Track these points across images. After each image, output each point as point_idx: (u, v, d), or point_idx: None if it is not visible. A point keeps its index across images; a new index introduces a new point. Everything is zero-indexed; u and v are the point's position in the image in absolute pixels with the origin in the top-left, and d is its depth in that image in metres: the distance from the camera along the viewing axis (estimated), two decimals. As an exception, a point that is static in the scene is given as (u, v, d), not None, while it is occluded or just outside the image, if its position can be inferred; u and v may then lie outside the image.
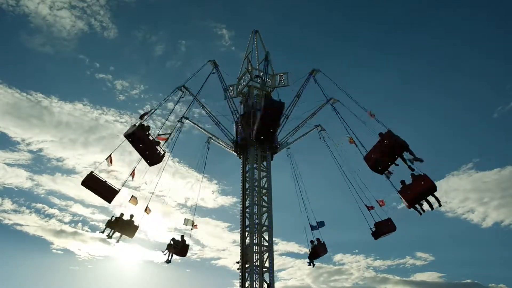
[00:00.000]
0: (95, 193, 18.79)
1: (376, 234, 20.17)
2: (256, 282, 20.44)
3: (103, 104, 64.31)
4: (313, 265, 22.31)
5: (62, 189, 60.44)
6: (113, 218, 19.64)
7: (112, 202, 19.06)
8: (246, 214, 22.06)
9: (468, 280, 51.42)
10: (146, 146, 18.14)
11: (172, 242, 21.87)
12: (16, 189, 54.43)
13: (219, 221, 60.51)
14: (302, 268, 59.21)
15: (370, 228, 20.33)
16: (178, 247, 21.70)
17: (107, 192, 18.80)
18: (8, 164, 53.13)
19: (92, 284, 56.31)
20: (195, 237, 60.90)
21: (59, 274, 57.16)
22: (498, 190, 56.82)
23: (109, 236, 19.59)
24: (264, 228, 21.84)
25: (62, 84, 63.83)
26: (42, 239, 56.67)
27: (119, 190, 19.05)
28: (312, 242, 22.18)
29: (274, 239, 22.27)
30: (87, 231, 56.34)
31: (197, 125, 24.05)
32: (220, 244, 57.65)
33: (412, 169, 16.84)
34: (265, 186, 22.95)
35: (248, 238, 21.44)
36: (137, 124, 18.13)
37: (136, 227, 19.96)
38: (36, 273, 55.92)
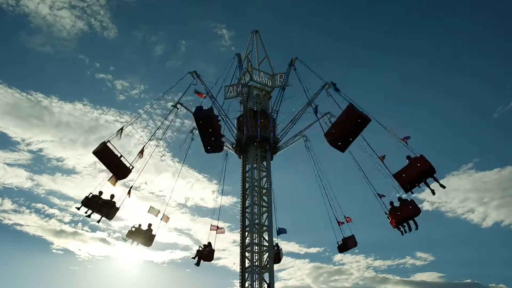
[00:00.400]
0: (106, 167, 18.67)
1: (343, 248, 22.55)
2: (256, 282, 20.42)
3: (103, 104, 64.50)
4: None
5: (62, 189, 60.66)
6: (90, 195, 18.71)
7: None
8: (246, 214, 22.05)
9: (468, 280, 51.52)
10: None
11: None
12: (16, 189, 54.54)
13: (220, 221, 60.37)
14: (302, 268, 59.32)
15: (337, 242, 22.68)
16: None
17: (119, 168, 18.71)
18: (8, 164, 53.24)
19: (92, 284, 56.47)
20: (195, 237, 61.00)
21: (59, 274, 57.29)
22: (498, 190, 56.96)
23: (88, 216, 18.83)
24: (264, 228, 21.83)
25: (62, 84, 64.10)
26: (42, 239, 56.82)
27: (132, 168, 19.02)
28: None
29: (274, 239, 22.30)
30: (87, 231, 56.45)
31: (191, 112, 23.77)
32: (220, 244, 57.62)
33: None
34: (265, 186, 22.94)
35: (248, 238, 21.44)
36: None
37: (117, 209, 19.26)
38: (36, 273, 56.02)
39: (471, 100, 64.64)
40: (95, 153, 18.46)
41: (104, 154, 18.42)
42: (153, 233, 20.47)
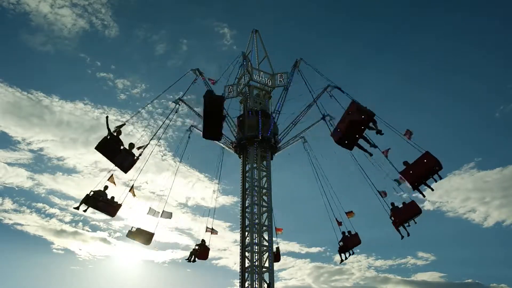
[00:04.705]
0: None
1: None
2: (256, 282, 20.41)
3: (104, 103, 64.35)
4: (346, 258, 21.32)
5: (63, 188, 60.53)
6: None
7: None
8: (246, 214, 22.04)
9: (470, 280, 51.31)
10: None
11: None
12: (16, 189, 54.44)
13: (220, 221, 60.48)
14: (303, 268, 59.22)
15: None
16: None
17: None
18: (8, 164, 53.16)
19: (92, 284, 56.42)
20: (195, 236, 60.97)
21: (60, 274, 57.21)
22: (500, 189, 56.66)
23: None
24: (264, 228, 21.81)
25: (63, 83, 63.95)
26: (43, 239, 56.73)
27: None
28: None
29: (274, 238, 22.31)
30: (88, 231, 56.35)
31: (192, 109, 23.75)
32: (221, 244, 57.59)
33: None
34: (265, 186, 22.92)
35: (248, 238, 21.43)
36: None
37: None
38: (36, 273, 55.98)
39: (472, 99, 64.48)
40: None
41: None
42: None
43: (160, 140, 21.46)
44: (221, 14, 68.62)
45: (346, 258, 21.35)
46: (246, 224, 21.82)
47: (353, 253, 21.41)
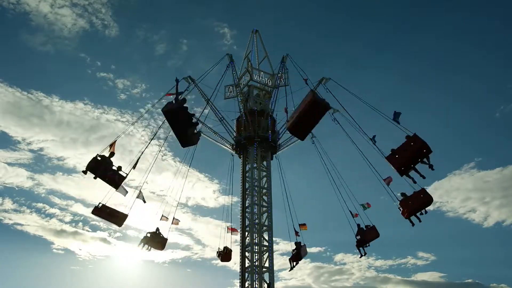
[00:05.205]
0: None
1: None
2: (256, 282, 20.42)
3: (104, 103, 64.44)
4: (365, 253, 20.05)
5: (63, 188, 60.56)
6: (148, 235, 19.79)
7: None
8: (246, 214, 22.04)
9: (469, 280, 51.28)
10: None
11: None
12: (16, 189, 54.44)
13: (220, 221, 60.49)
14: (303, 268, 59.17)
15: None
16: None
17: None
18: (8, 164, 53.17)
19: (92, 284, 56.42)
20: (196, 236, 61.02)
21: (60, 274, 57.21)
22: (500, 189, 56.61)
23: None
24: (264, 228, 21.81)
25: (63, 83, 64.00)
26: (43, 239, 56.72)
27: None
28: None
29: (275, 238, 22.34)
30: (88, 231, 56.34)
31: (204, 134, 24.06)
32: (221, 243, 57.56)
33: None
34: (265, 186, 22.91)
35: (248, 238, 21.43)
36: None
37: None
38: (36, 273, 55.98)
39: (472, 99, 64.52)
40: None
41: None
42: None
43: (160, 140, 21.50)
44: (221, 14, 68.69)
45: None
46: (246, 224, 21.82)
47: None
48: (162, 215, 20.86)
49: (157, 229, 20.26)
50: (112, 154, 18.07)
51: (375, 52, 68.85)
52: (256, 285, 20.39)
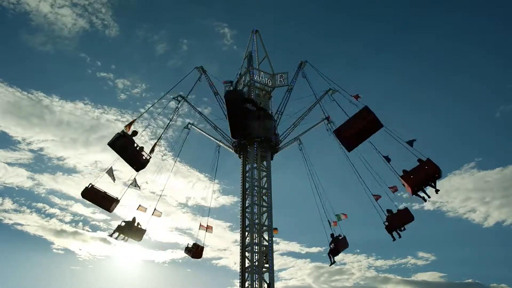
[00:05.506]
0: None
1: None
2: (256, 282, 20.40)
3: (104, 103, 64.46)
4: (334, 262, 21.45)
5: (63, 188, 60.52)
6: (123, 223, 20.11)
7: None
8: (246, 214, 22.03)
9: (470, 280, 51.35)
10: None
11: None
12: (16, 189, 54.49)
13: (220, 221, 60.47)
14: (303, 268, 59.25)
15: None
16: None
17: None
18: (8, 164, 53.22)
19: (92, 284, 56.39)
20: (195, 236, 60.89)
21: (60, 274, 57.25)
22: (500, 189, 56.70)
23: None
24: (264, 228, 21.80)
25: (63, 83, 64.01)
26: (43, 239, 56.73)
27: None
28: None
29: (275, 238, 22.30)
30: (88, 231, 56.40)
31: (203, 131, 24.87)
32: (221, 243, 57.56)
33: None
34: (265, 186, 22.90)
35: (248, 237, 21.42)
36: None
37: (143, 231, 20.33)
38: (36, 273, 56.01)
39: (473, 99, 64.56)
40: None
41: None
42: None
43: (160, 140, 21.57)
44: (221, 14, 68.71)
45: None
46: (246, 224, 21.82)
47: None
48: (140, 205, 21.18)
49: (134, 218, 20.63)
50: (134, 133, 18.86)
51: (375, 52, 68.95)
52: (256, 285, 20.37)
